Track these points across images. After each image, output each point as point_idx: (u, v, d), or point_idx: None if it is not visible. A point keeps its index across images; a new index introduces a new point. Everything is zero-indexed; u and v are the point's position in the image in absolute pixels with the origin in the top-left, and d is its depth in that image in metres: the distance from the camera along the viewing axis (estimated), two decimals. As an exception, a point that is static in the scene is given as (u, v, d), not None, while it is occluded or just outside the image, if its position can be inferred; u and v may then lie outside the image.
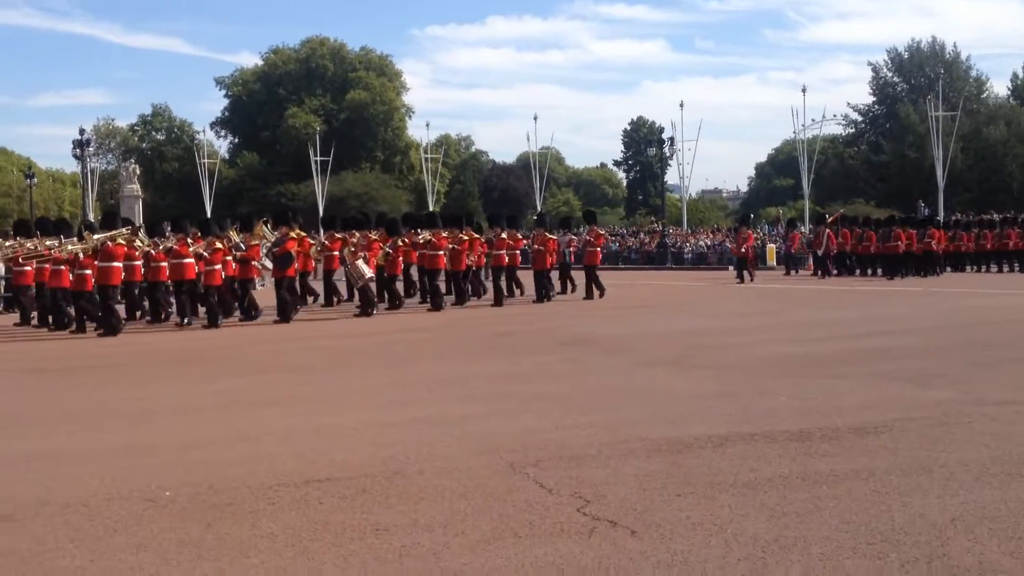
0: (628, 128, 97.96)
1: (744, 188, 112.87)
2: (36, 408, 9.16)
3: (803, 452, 6.42)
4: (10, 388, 10.64)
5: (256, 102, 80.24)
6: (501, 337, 14.42)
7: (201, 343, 14.83)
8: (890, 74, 74.26)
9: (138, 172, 61.93)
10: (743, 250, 27.98)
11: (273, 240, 18.26)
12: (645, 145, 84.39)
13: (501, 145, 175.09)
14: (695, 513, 5.09)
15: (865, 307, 18.92)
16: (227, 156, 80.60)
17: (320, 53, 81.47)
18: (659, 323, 16.54)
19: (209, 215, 47.17)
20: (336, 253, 20.44)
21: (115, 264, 16.19)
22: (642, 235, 51.32)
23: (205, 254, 17.17)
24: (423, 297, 20.44)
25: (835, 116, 67.62)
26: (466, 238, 20.78)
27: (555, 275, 22.35)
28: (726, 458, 6.29)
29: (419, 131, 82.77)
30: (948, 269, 31.24)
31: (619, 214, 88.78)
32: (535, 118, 65.22)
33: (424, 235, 20.42)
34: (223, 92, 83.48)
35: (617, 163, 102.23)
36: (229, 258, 17.77)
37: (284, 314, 17.31)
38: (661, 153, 52.87)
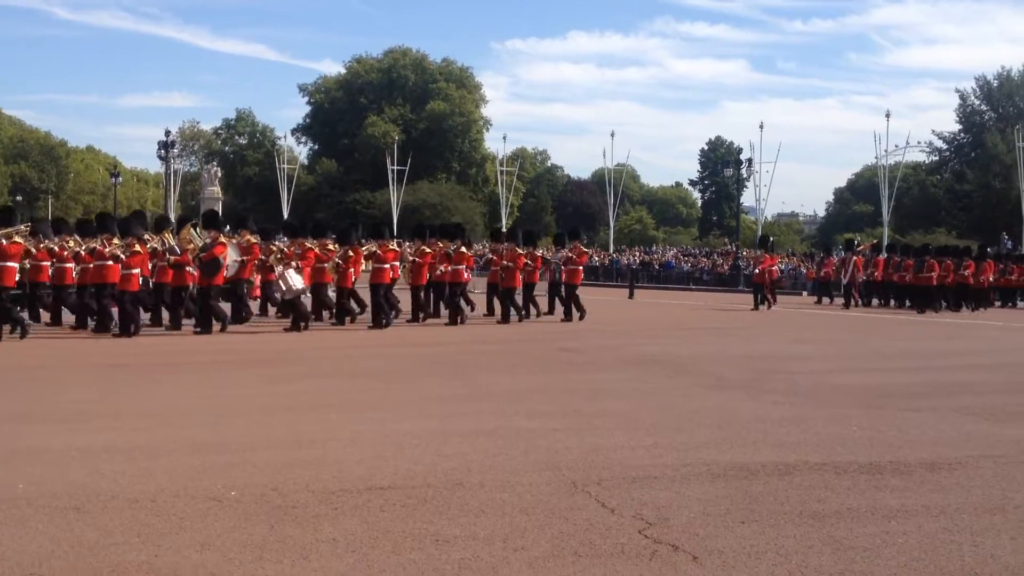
0: (705, 148, 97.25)
1: (822, 213, 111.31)
2: (113, 402, 9.38)
3: (873, 485, 6.28)
4: (90, 382, 10.90)
5: (337, 110, 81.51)
6: (567, 353, 14.38)
7: (272, 346, 15.06)
8: (978, 102, 72.64)
9: (219, 175, 63.54)
10: (757, 272, 26.73)
11: (202, 244, 16.64)
12: (722, 165, 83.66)
13: (577, 160, 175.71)
14: (759, 542, 5.01)
15: (939, 339, 18.50)
16: (306, 162, 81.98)
17: (402, 63, 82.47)
18: (728, 346, 16.34)
19: (286, 219, 47.92)
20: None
21: (9, 264, 15.17)
22: (715, 256, 50.86)
23: (122, 256, 15.74)
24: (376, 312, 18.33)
25: (919, 143, 66.70)
26: (429, 251, 19.51)
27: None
28: (793, 487, 6.18)
29: (496, 144, 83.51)
30: (996, 303, 29.80)
31: (692, 234, 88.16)
32: (612, 135, 65.69)
33: (369, 246, 19.04)
34: (305, 99, 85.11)
35: (693, 183, 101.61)
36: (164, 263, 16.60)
37: (205, 325, 16.13)
38: (738, 174, 52.49)
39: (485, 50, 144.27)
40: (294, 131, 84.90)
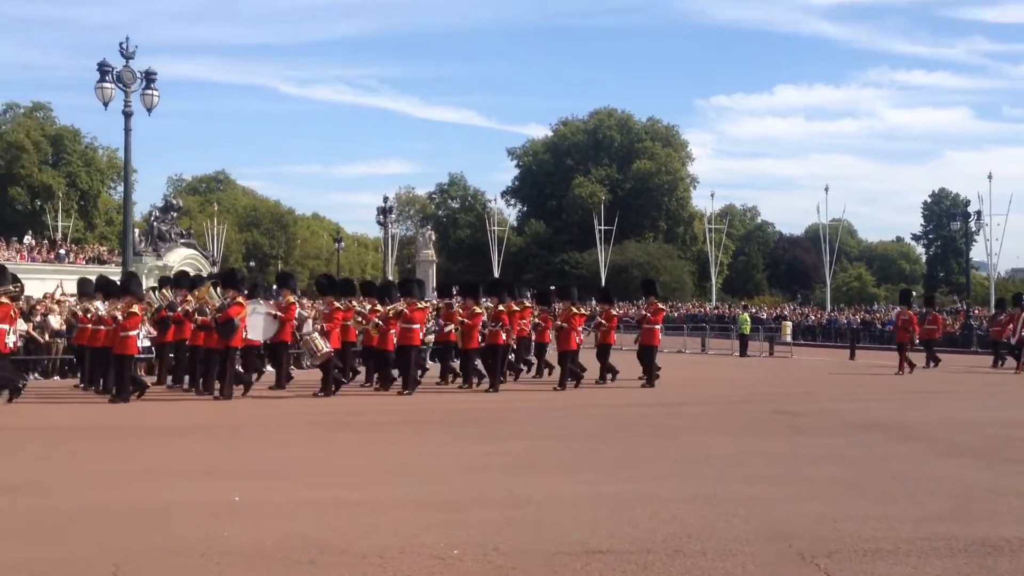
0: (928, 200, 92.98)
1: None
2: (340, 459, 9.80)
3: None
4: (319, 440, 11.41)
5: (544, 172, 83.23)
6: (784, 416, 13.90)
7: (462, 406, 15.16)
8: None
9: (433, 238, 65.81)
10: (905, 332, 24.01)
11: (219, 304, 15.83)
12: (948, 219, 79.53)
13: (788, 216, 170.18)
14: (1010, 626, 4.63)
15: None
16: (515, 224, 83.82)
17: (607, 124, 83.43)
18: (958, 410, 15.34)
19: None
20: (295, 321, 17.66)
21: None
22: (944, 315, 48.10)
23: (119, 316, 15.16)
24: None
25: None
26: (479, 311, 17.86)
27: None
28: (1045, 566, 5.69)
29: (703, 201, 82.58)
30: None
31: (918, 291, 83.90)
32: (826, 189, 63.47)
33: (397, 306, 17.46)
34: (514, 162, 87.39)
35: (916, 237, 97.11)
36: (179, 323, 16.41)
37: (225, 391, 15.43)
38: (966, 227, 49.63)
39: (690, 108, 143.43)
40: (503, 194, 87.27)
